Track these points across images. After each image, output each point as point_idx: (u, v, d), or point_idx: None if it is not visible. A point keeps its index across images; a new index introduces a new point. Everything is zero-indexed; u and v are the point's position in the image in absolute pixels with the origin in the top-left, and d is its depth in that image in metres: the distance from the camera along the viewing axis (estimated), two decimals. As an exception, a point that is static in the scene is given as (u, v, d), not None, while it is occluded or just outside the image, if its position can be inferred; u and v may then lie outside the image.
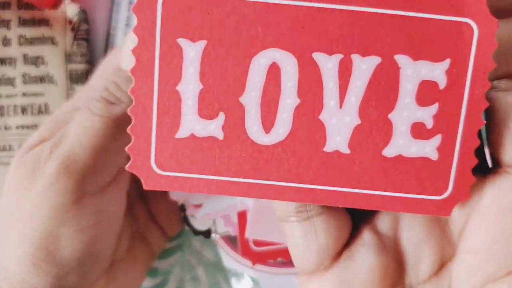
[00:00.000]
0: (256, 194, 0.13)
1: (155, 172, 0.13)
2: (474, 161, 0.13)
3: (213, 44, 0.13)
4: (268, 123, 0.13)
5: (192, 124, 0.13)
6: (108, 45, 0.29)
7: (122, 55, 0.22)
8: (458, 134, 0.13)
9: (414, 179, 0.14)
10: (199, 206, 0.26)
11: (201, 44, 0.13)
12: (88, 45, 0.29)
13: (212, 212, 0.26)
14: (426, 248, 0.15)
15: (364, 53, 0.13)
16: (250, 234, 0.25)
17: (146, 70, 0.13)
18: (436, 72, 0.13)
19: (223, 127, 0.13)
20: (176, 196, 0.26)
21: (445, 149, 0.13)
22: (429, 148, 0.13)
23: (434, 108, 0.13)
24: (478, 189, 0.14)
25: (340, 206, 0.14)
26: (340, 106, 0.13)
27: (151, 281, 0.33)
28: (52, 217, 0.21)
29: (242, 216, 0.27)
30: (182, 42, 0.13)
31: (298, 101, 0.13)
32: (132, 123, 0.13)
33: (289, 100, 0.13)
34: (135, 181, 0.26)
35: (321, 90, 0.13)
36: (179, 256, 0.34)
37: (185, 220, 0.27)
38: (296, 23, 0.13)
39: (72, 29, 0.29)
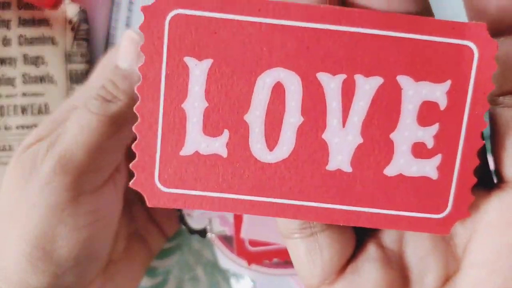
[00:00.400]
0: (259, 211, 0.14)
1: (158, 189, 0.13)
2: (473, 180, 0.14)
3: (219, 63, 0.13)
4: (271, 141, 0.13)
5: (197, 141, 0.13)
6: (108, 45, 0.29)
7: (119, 54, 0.22)
8: (458, 154, 0.14)
9: (414, 197, 0.14)
10: None
11: (207, 62, 0.13)
12: (88, 45, 0.29)
13: (208, 211, 0.26)
14: (430, 262, 0.15)
15: (367, 73, 0.13)
16: (246, 234, 0.25)
17: (152, 87, 0.13)
18: (437, 93, 0.13)
19: (227, 144, 0.13)
20: None
21: (445, 169, 0.14)
22: (429, 168, 0.14)
23: (434, 128, 0.14)
24: (483, 204, 0.15)
25: (341, 224, 0.14)
26: (343, 126, 0.13)
27: (150, 281, 0.34)
28: (49, 216, 0.20)
29: (238, 216, 0.27)
30: (189, 60, 0.13)
31: (301, 120, 0.13)
32: (137, 140, 0.13)
33: (292, 119, 0.13)
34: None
35: (325, 109, 0.13)
36: (178, 256, 0.34)
37: (181, 218, 0.27)
38: (300, 43, 0.13)
39: (72, 29, 0.29)
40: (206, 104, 0.13)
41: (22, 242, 0.21)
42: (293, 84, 0.13)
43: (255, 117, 0.13)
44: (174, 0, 0.13)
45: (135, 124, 0.13)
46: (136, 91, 0.13)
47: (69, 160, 0.20)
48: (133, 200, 0.27)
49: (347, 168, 0.14)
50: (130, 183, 0.13)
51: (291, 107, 0.13)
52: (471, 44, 0.13)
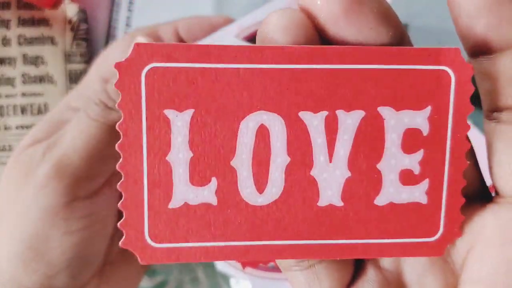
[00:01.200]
0: (256, 256, 0.13)
1: (150, 246, 0.13)
2: (462, 201, 0.14)
3: (200, 112, 0.13)
4: (261, 184, 0.13)
5: (185, 192, 0.13)
6: (108, 45, 0.29)
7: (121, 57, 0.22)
8: (445, 177, 0.14)
9: (406, 224, 0.14)
10: None
11: (188, 113, 0.13)
12: (88, 45, 0.29)
13: None
14: (429, 280, 0.15)
15: (348, 108, 0.13)
16: None
17: (134, 144, 0.13)
18: (419, 119, 0.13)
19: (216, 192, 0.13)
20: None
21: (433, 192, 0.14)
22: (418, 193, 0.14)
23: (419, 154, 0.14)
24: (479, 219, 0.15)
25: (337, 259, 0.14)
26: (330, 161, 0.13)
27: (151, 282, 0.34)
28: (42, 219, 0.21)
29: None
30: (169, 112, 0.13)
31: (288, 159, 0.13)
32: (123, 198, 0.13)
33: (279, 159, 0.13)
34: None
35: (310, 147, 0.13)
36: None
37: None
38: (280, 85, 0.13)
39: (72, 29, 0.29)
40: (191, 154, 0.13)
41: (15, 242, 0.21)
42: (276, 125, 0.13)
43: (242, 161, 0.13)
44: (148, 54, 0.12)
45: (120, 182, 0.13)
46: (117, 149, 0.13)
47: (66, 165, 0.20)
48: None
49: (338, 203, 0.14)
50: (120, 242, 0.13)
51: (276, 148, 0.13)
52: (447, 69, 0.13)
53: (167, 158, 0.13)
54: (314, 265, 0.15)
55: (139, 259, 0.13)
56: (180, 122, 0.13)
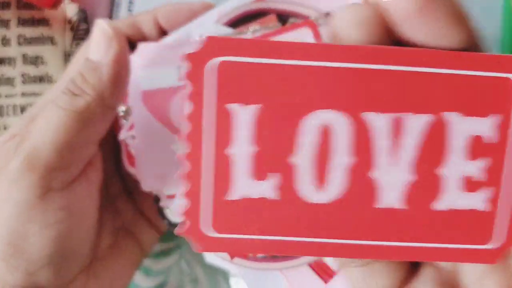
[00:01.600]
0: (314, 252, 0.14)
1: (209, 236, 0.13)
2: None
3: (265, 108, 0.13)
4: (320, 182, 0.13)
5: (246, 186, 0.13)
6: None
7: (90, 46, 0.22)
8: (508, 185, 0.14)
9: (464, 230, 0.14)
10: (172, 196, 0.24)
11: (253, 107, 0.13)
12: None
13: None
14: (489, 282, 0.15)
15: (415, 111, 0.13)
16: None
17: (201, 135, 0.13)
18: (485, 127, 0.13)
19: (275, 187, 0.13)
20: (149, 185, 0.24)
21: (495, 200, 0.14)
22: (478, 200, 0.14)
23: (483, 161, 0.13)
24: None
25: (393, 260, 0.14)
26: (392, 164, 0.13)
27: (151, 282, 0.34)
28: (18, 213, 0.20)
29: None
30: (235, 106, 0.13)
31: (350, 159, 0.13)
32: (187, 187, 0.13)
33: (341, 159, 0.13)
34: (118, 176, 0.26)
35: (373, 148, 0.13)
36: (178, 256, 0.34)
37: (160, 212, 0.26)
38: (347, 84, 0.13)
39: (72, 29, 0.29)
40: (254, 149, 0.13)
41: None
42: (340, 125, 0.13)
43: (303, 159, 0.13)
44: (220, 47, 0.12)
45: (185, 171, 0.13)
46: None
47: (37, 157, 0.20)
48: (117, 194, 0.26)
49: (399, 205, 0.14)
50: (178, 230, 0.13)
51: (339, 147, 0.13)
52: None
53: (230, 151, 0.13)
54: (371, 262, 0.15)
55: (197, 248, 0.13)
56: (245, 116, 0.13)
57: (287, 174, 0.13)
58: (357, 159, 0.13)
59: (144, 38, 0.25)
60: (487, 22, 0.33)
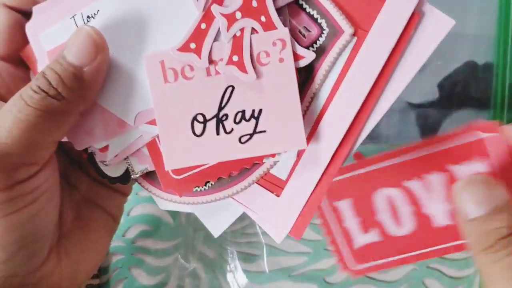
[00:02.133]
0: (405, 261, 0.26)
1: (353, 269, 0.25)
2: None
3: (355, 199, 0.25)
4: (399, 224, 0.25)
5: (360, 238, 0.24)
6: None
7: (69, 47, 0.21)
8: None
9: None
10: (105, 149, 0.24)
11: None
12: None
13: (120, 152, 0.24)
14: None
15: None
16: (170, 165, 0.22)
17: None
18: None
19: (377, 234, 0.24)
20: (80, 144, 0.24)
21: None
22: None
23: None
24: None
25: None
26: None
27: (152, 280, 0.36)
28: None
29: (152, 146, 0.24)
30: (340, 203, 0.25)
31: (409, 208, 0.25)
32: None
33: (404, 208, 0.25)
34: (63, 151, 0.26)
35: (419, 198, 0.26)
36: (178, 254, 0.36)
37: (98, 170, 0.24)
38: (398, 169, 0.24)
39: None
40: (359, 219, 0.24)
41: None
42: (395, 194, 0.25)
43: (384, 217, 0.24)
44: None
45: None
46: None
47: (3, 153, 0.20)
48: (69, 168, 0.26)
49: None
50: None
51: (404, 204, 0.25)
52: None
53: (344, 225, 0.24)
54: None
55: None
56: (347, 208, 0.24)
57: (379, 227, 0.24)
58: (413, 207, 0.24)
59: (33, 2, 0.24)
60: (482, 20, 0.35)
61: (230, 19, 0.20)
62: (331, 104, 0.21)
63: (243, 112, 0.21)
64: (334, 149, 0.21)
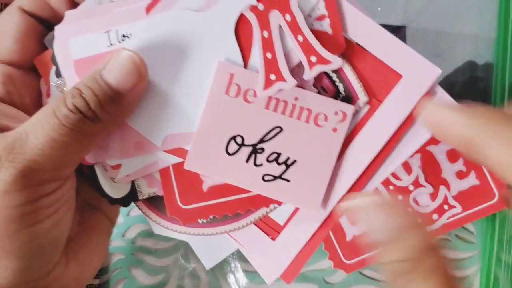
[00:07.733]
0: None
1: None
2: None
3: None
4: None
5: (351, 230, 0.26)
6: None
7: (111, 69, 0.20)
8: None
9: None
10: (118, 167, 0.24)
11: None
12: None
13: (132, 172, 0.24)
14: None
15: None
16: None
17: None
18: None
19: None
20: (94, 158, 0.24)
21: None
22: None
23: None
24: None
25: None
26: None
27: (152, 280, 0.36)
28: (7, 219, 0.20)
29: (165, 173, 0.24)
30: None
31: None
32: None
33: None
34: None
35: None
36: (178, 254, 0.36)
37: (99, 189, 0.24)
38: None
39: None
40: None
41: None
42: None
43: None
44: None
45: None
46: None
47: (33, 170, 0.19)
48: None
49: None
50: None
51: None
52: None
53: None
54: None
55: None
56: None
57: None
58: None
59: (54, 14, 0.24)
60: (482, 20, 0.35)
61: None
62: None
63: (279, 155, 0.22)
64: (334, 205, 0.23)
